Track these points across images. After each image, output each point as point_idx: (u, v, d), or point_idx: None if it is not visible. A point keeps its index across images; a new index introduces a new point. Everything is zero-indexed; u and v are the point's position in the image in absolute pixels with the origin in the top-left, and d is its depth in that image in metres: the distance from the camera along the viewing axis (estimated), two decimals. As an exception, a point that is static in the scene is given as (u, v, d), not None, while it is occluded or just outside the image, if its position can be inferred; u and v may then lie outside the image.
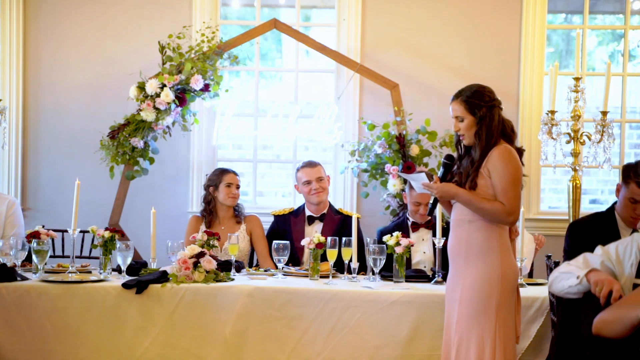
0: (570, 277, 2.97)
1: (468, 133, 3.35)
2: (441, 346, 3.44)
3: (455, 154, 3.49)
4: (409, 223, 4.55)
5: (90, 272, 4.13)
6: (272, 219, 4.86)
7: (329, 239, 4.02)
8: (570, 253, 3.63)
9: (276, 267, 4.18)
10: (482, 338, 3.22)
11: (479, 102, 3.32)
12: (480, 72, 5.65)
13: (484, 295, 3.23)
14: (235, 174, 4.78)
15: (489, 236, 3.27)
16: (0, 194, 4.73)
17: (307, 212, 4.74)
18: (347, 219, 4.62)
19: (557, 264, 3.50)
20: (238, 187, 4.76)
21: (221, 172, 4.77)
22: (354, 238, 4.03)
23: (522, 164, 3.34)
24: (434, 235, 4.11)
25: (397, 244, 3.97)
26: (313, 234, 4.46)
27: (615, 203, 3.85)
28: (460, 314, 3.28)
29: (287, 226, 4.71)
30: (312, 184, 4.67)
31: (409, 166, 5.07)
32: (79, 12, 5.75)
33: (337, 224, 4.68)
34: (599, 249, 3.11)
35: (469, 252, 3.30)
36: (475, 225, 3.29)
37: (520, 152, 3.35)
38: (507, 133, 3.36)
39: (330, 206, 4.78)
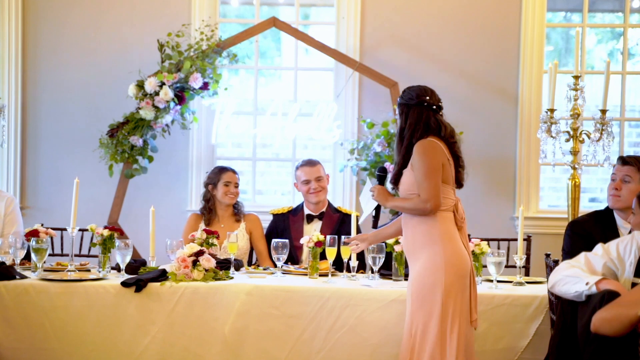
0: (577, 282, 2.97)
1: None
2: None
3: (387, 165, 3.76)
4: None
5: (89, 271, 4.13)
6: (271, 217, 4.85)
7: (328, 237, 4.02)
8: (569, 252, 3.63)
9: (275, 266, 4.18)
10: (430, 326, 3.29)
11: (402, 100, 3.52)
12: (479, 71, 5.65)
13: (429, 284, 3.32)
14: (233, 172, 4.76)
15: (429, 228, 3.38)
16: (-1, 191, 4.73)
17: (306, 211, 4.73)
18: (346, 217, 4.61)
19: (556, 262, 3.50)
20: (237, 185, 4.74)
21: (219, 171, 4.76)
22: (353, 237, 4.02)
23: (459, 156, 3.48)
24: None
25: (397, 242, 3.97)
26: (312, 233, 4.45)
27: (615, 201, 3.86)
28: (412, 305, 3.38)
29: (285, 225, 4.69)
30: (311, 184, 4.66)
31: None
32: (78, 10, 5.75)
33: (336, 222, 4.67)
34: (599, 248, 3.11)
35: (415, 246, 3.42)
36: (416, 219, 3.42)
37: (450, 144, 3.45)
38: (434, 131, 3.45)
39: (329, 204, 4.77)
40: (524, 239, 4.54)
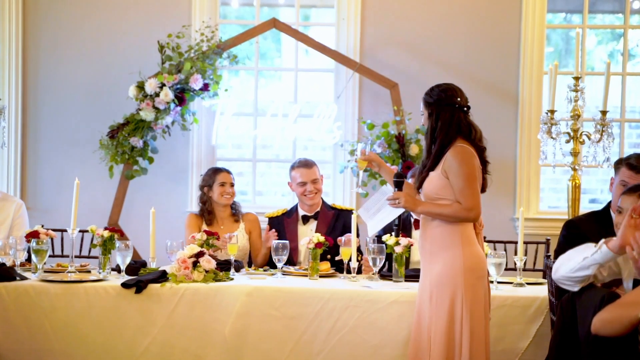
0: (584, 250, 2.91)
1: (426, 127, 3.49)
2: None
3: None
4: (412, 220, 4.53)
5: (89, 272, 4.13)
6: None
7: (344, 238, 4.05)
8: (564, 251, 3.62)
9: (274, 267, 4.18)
10: (452, 329, 3.30)
11: (432, 98, 3.44)
12: (479, 72, 5.65)
13: (450, 287, 3.31)
14: (228, 172, 4.74)
15: (450, 231, 3.35)
16: (7, 196, 4.72)
17: (301, 212, 4.69)
18: (341, 213, 4.64)
19: (556, 263, 3.49)
20: (232, 185, 4.72)
21: (214, 172, 4.74)
22: (353, 237, 4.02)
23: (487, 162, 3.44)
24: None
25: (397, 243, 3.97)
26: (308, 233, 4.46)
27: (611, 202, 3.85)
28: (431, 308, 3.35)
29: (280, 227, 4.66)
30: (307, 186, 4.62)
31: (408, 166, 5.06)
32: (78, 12, 5.75)
33: (331, 219, 4.63)
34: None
35: (433, 248, 3.39)
36: (437, 221, 3.38)
37: (480, 149, 3.41)
38: (464, 134, 3.40)
39: (324, 202, 4.74)
40: (543, 242, 4.65)
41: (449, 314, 3.30)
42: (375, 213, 3.63)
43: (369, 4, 5.69)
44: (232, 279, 3.91)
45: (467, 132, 3.40)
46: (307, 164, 4.67)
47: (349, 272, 4.05)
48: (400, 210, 3.48)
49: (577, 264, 2.92)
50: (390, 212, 3.55)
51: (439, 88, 3.45)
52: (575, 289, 2.98)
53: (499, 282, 3.86)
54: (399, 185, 3.52)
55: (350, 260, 4.03)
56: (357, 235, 4.26)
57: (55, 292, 3.72)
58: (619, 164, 3.82)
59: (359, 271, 4.11)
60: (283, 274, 4.11)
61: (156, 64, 5.35)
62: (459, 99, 3.41)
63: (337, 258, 4.21)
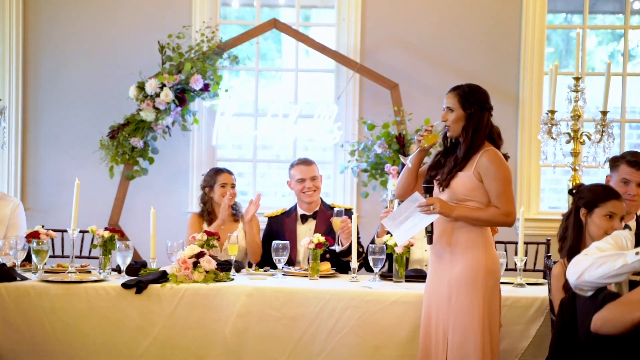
0: (620, 256, 2.80)
1: (455, 126, 3.39)
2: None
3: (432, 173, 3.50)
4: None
5: (89, 272, 4.13)
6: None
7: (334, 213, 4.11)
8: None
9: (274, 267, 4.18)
10: (473, 330, 3.28)
11: (472, 98, 3.39)
12: (480, 72, 5.65)
13: (471, 287, 3.29)
14: (229, 173, 4.75)
15: (474, 233, 3.33)
16: (5, 195, 4.72)
17: (300, 211, 4.68)
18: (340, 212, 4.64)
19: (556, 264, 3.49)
20: (233, 186, 4.73)
21: (215, 173, 4.75)
22: (353, 238, 4.02)
23: None
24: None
25: (397, 243, 3.97)
26: (307, 233, 4.47)
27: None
28: (450, 307, 3.32)
29: (279, 227, 4.65)
30: (306, 183, 4.61)
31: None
32: (79, 12, 5.75)
33: (330, 219, 4.63)
34: (598, 244, 3.08)
35: (455, 248, 3.35)
36: (460, 223, 3.34)
37: (505, 158, 3.41)
38: (493, 138, 3.41)
39: (323, 202, 4.73)
40: (543, 243, 4.66)
41: (470, 314, 3.29)
42: (403, 221, 3.42)
43: (369, 5, 5.69)
44: (232, 280, 3.91)
45: (497, 137, 3.42)
46: (306, 162, 4.67)
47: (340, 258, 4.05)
48: (433, 217, 3.32)
49: (611, 270, 2.80)
50: (421, 220, 3.35)
51: (480, 90, 3.44)
52: (589, 293, 2.94)
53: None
54: (429, 190, 3.37)
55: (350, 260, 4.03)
56: (358, 236, 4.26)
57: (55, 293, 3.72)
58: (616, 162, 3.82)
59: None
60: (283, 275, 4.11)
61: (156, 65, 5.35)
62: (491, 104, 3.44)
63: (339, 251, 4.21)
